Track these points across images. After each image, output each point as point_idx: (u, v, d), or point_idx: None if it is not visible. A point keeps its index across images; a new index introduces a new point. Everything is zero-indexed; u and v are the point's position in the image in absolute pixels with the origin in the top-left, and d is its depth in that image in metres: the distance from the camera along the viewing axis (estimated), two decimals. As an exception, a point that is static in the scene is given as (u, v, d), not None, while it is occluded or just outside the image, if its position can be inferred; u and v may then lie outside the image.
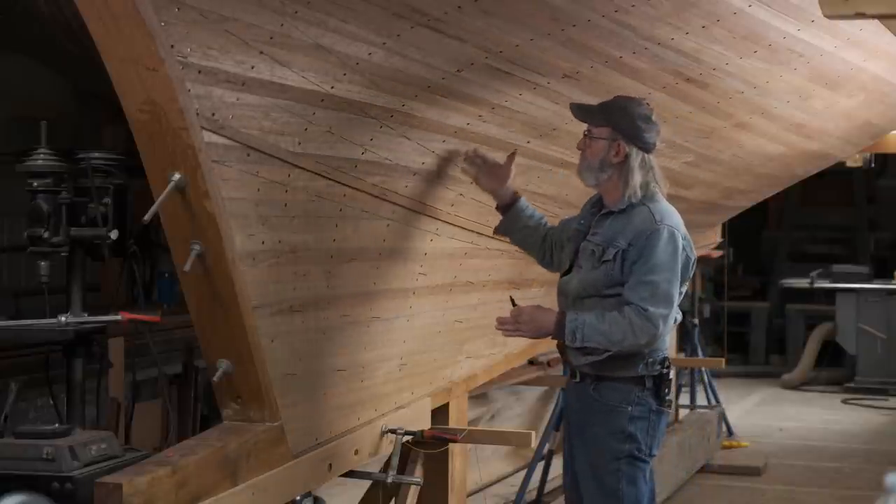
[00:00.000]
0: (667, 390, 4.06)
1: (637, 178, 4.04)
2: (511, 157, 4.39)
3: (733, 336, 13.32)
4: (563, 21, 4.01)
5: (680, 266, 4.01)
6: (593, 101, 4.45)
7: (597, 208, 4.20)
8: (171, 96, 3.22)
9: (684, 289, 4.11)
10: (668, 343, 4.11)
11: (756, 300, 15.11)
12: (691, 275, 4.12)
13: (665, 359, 4.07)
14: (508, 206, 4.42)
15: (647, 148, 4.07)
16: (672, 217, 4.05)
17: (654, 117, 4.11)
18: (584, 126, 4.16)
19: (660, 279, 3.96)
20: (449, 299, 4.77)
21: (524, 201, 4.44)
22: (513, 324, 4.11)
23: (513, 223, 4.43)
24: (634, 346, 3.98)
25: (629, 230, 4.02)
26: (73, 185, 4.26)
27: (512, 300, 4.23)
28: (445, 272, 4.69)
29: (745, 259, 15.20)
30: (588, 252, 4.09)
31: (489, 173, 4.37)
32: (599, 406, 4.06)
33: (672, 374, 4.14)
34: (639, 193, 4.04)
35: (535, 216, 4.43)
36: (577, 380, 4.14)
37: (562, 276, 4.22)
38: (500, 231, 4.47)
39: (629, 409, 4.02)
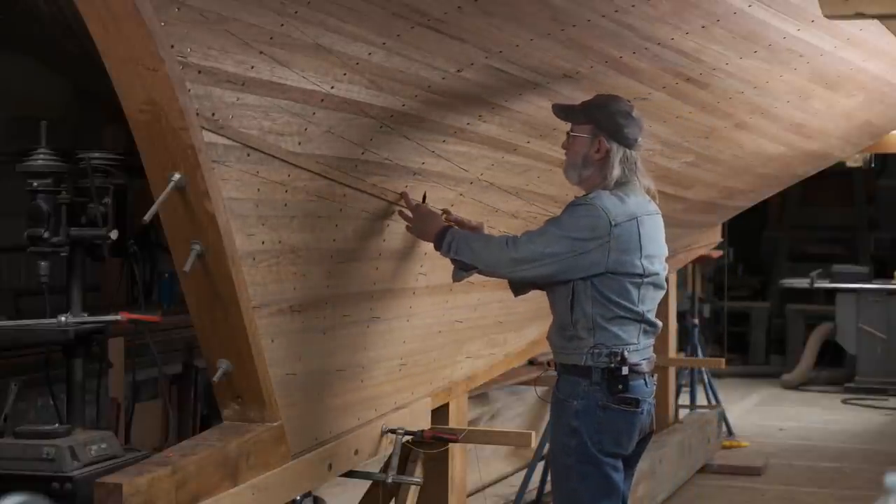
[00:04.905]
0: (620, 386, 3.91)
1: (615, 172, 4.00)
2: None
3: (733, 336, 13.32)
4: (563, 21, 4.01)
5: (586, 232, 3.91)
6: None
7: None
8: (171, 96, 3.22)
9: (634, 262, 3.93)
10: (631, 339, 3.94)
11: (756, 300, 15.10)
12: (635, 265, 3.93)
13: (617, 353, 3.91)
14: None
15: (628, 143, 4.03)
16: (605, 200, 3.95)
17: (635, 113, 4.07)
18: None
19: (551, 228, 3.98)
20: (449, 299, 4.76)
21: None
22: (407, 217, 4.19)
23: None
24: (491, 263, 4.02)
25: None
26: (73, 185, 4.26)
27: (424, 196, 4.26)
28: (445, 272, 4.68)
29: (745, 259, 15.20)
30: None
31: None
32: (556, 399, 4.06)
33: (626, 371, 3.90)
34: (611, 187, 4.01)
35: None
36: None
37: None
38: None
39: (574, 403, 3.95)
